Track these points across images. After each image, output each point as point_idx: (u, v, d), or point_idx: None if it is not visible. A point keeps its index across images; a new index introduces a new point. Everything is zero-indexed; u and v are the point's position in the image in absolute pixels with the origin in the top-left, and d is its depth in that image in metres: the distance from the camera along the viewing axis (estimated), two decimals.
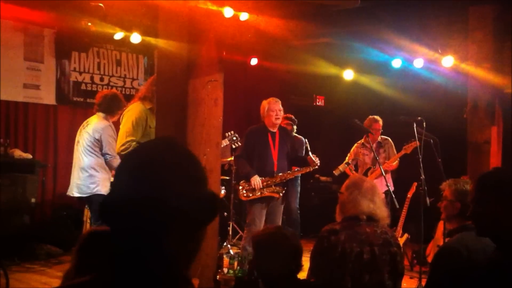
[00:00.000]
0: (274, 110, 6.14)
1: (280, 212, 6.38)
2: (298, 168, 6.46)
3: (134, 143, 5.59)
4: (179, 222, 1.20)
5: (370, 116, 7.36)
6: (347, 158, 7.44)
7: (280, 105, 6.21)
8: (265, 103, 6.22)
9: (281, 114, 6.26)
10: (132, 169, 1.23)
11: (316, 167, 6.35)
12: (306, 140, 6.65)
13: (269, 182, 6.07)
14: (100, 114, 5.89)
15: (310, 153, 6.29)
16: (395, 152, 7.27)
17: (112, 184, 1.28)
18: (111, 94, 6.14)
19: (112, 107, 5.88)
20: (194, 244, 1.27)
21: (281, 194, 6.17)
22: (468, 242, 3.02)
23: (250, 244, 5.83)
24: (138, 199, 1.18)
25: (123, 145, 5.61)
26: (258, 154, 6.14)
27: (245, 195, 6.05)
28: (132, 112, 5.73)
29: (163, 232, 1.19)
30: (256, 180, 5.99)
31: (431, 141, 6.47)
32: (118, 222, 1.20)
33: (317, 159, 6.24)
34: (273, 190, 6.10)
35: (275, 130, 6.23)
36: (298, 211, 7.83)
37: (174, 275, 1.22)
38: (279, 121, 6.24)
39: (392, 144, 7.37)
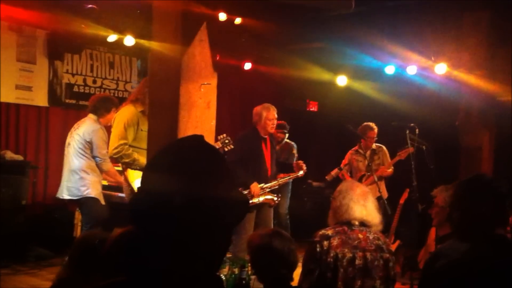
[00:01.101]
0: (271, 119, 6.13)
1: (271, 215, 6.38)
2: (289, 175, 6.46)
3: (127, 146, 5.56)
4: (216, 223, 1.21)
5: (365, 123, 7.33)
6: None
7: (275, 113, 6.20)
8: (262, 111, 6.15)
9: (276, 122, 6.28)
10: (169, 170, 1.21)
11: (303, 172, 6.37)
12: (295, 145, 6.67)
13: (264, 188, 6.08)
14: (91, 116, 5.88)
15: (296, 158, 6.35)
16: (389, 159, 7.26)
17: (142, 185, 1.25)
18: (101, 96, 6.16)
19: (99, 109, 5.86)
20: (225, 244, 1.28)
21: (276, 201, 6.19)
22: (459, 248, 3.02)
23: (241, 251, 5.86)
24: (177, 201, 1.16)
25: (115, 148, 5.58)
26: (253, 161, 6.13)
27: None
28: (123, 115, 5.70)
29: (201, 233, 1.18)
30: (256, 187, 5.98)
31: (424, 147, 6.49)
32: (153, 223, 1.18)
33: (304, 165, 6.25)
34: (268, 196, 6.14)
35: (266, 136, 6.25)
36: (288, 216, 7.82)
37: (209, 275, 1.23)
38: (273, 130, 6.26)
39: (386, 152, 7.35)
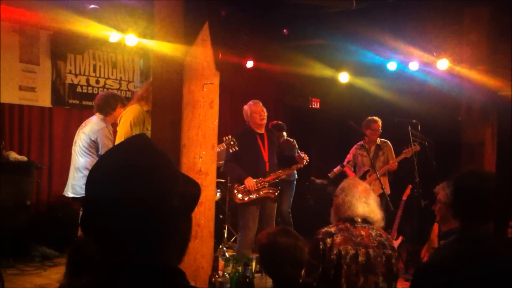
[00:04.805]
0: (257, 112, 6.22)
1: (274, 212, 6.39)
2: (290, 168, 6.48)
3: None
4: (170, 217, 1.23)
5: (369, 117, 7.36)
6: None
7: (261, 105, 6.28)
8: (246, 108, 6.31)
9: (265, 114, 6.29)
10: (115, 173, 1.23)
11: (305, 163, 6.39)
12: (294, 140, 6.69)
13: (262, 183, 6.09)
14: (97, 115, 5.93)
15: (298, 151, 6.35)
16: (394, 156, 7.26)
17: (90, 190, 1.28)
18: (106, 94, 6.19)
19: (105, 107, 5.91)
20: (183, 236, 1.30)
21: (276, 194, 6.19)
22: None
23: (245, 248, 5.89)
24: (127, 201, 1.19)
25: None
26: (248, 156, 6.17)
27: (240, 197, 6.05)
28: (129, 113, 5.75)
29: (155, 229, 1.21)
30: (250, 182, 6.01)
31: (426, 143, 6.50)
32: (109, 226, 1.21)
33: (305, 155, 6.31)
34: (267, 190, 6.12)
35: (262, 131, 6.28)
36: (290, 214, 7.84)
37: (170, 268, 1.24)
38: (264, 121, 6.28)
39: (391, 147, 7.35)
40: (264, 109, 6.29)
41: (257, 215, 6.14)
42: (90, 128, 5.80)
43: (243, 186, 6.03)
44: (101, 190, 1.24)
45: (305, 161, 6.37)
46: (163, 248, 1.22)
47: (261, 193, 6.08)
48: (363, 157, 7.31)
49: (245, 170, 6.09)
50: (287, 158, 6.63)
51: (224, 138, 6.28)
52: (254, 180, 6.04)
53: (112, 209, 1.21)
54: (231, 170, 6.33)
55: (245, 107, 6.33)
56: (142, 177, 1.21)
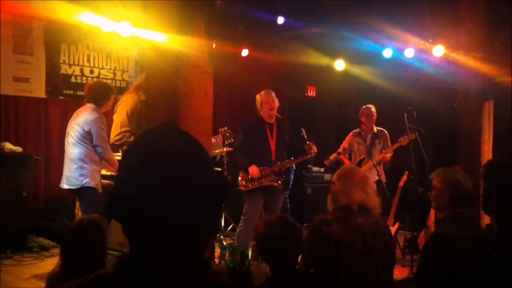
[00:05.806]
0: (267, 102, 6.24)
1: (280, 201, 6.40)
2: (297, 158, 6.46)
3: (128, 133, 5.59)
4: (202, 209, 1.20)
5: (364, 106, 7.37)
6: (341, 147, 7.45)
7: (273, 95, 6.29)
8: (258, 97, 6.33)
9: (276, 104, 6.29)
10: (145, 162, 1.19)
11: (313, 154, 6.39)
12: (303, 129, 6.64)
13: (267, 171, 6.12)
14: (89, 105, 5.84)
15: (307, 142, 6.35)
16: (390, 144, 7.26)
17: (120, 179, 1.24)
18: (98, 84, 6.13)
19: (99, 98, 5.84)
20: (210, 228, 1.26)
21: (280, 182, 6.21)
22: (457, 230, 3.05)
23: (246, 235, 5.89)
24: (157, 193, 1.16)
25: (117, 135, 5.62)
26: (256, 145, 6.21)
27: (244, 185, 6.11)
28: (126, 103, 5.74)
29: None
30: (254, 169, 6.05)
31: (422, 131, 6.51)
32: (138, 218, 1.18)
33: (314, 146, 6.31)
34: (272, 179, 6.15)
35: (272, 121, 6.30)
36: (288, 199, 7.84)
37: (196, 260, 1.22)
38: (274, 111, 6.30)
39: (388, 136, 7.35)
40: (276, 100, 6.31)
41: (260, 204, 6.19)
42: (83, 119, 5.74)
43: (247, 173, 6.09)
44: (126, 181, 1.22)
45: (313, 151, 6.36)
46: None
47: (265, 181, 6.10)
48: (359, 145, 7.31)
49: (252, 158, 6.13)
50: (295, 150, 6.60)
51: (220, 130, 6.25)
52: (260, 168, 6.07)
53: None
54: (239, 158, 6.35)
55: (257, 96, 6.36)
56: (145, 176, 1.18)
